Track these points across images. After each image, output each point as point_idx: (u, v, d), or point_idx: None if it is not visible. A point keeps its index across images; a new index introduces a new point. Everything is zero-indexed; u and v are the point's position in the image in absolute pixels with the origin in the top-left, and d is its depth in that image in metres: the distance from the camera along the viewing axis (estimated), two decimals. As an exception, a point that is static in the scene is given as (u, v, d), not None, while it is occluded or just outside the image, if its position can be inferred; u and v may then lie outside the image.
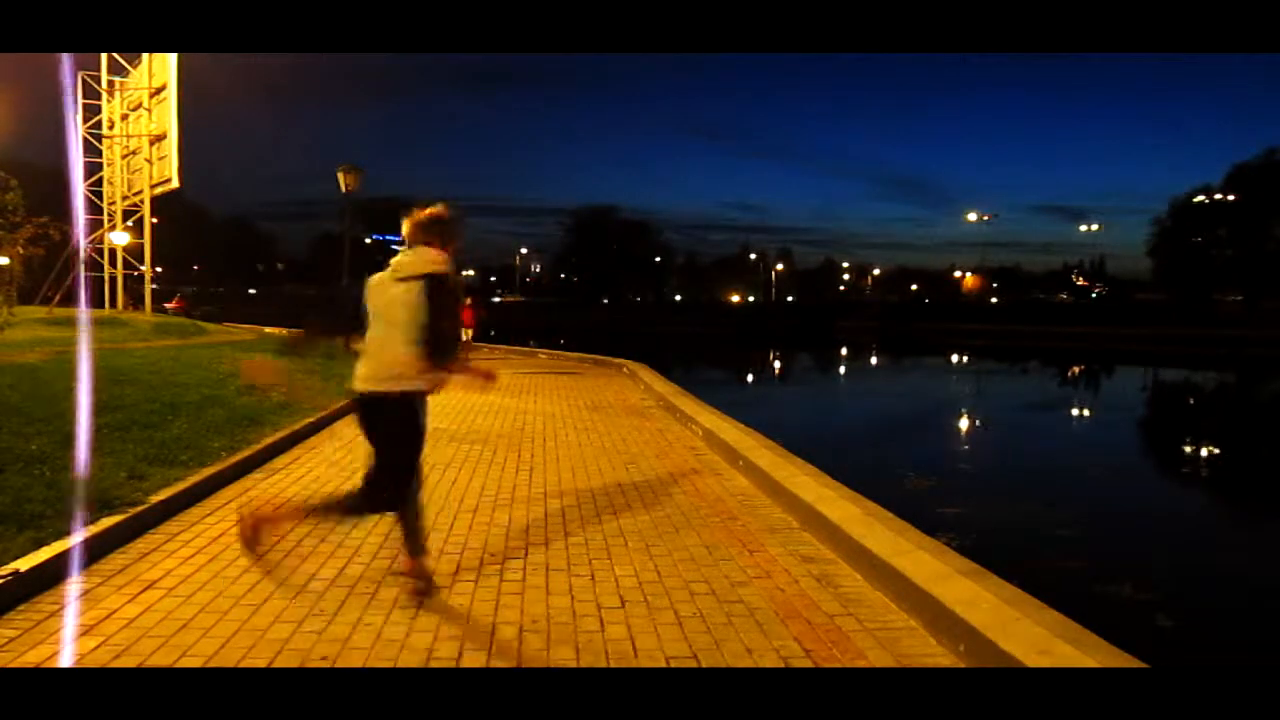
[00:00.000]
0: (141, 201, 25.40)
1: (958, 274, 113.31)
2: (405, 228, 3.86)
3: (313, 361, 13.53)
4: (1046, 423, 20.40)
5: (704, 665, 3.20)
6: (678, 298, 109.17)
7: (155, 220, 26.81)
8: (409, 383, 3.65)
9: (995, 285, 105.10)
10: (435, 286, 3.64)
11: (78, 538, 4.14)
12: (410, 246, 3.82)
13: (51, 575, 3.85)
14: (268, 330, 26.54)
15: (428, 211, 3.86)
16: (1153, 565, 7.82)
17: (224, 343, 16.35)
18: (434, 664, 3.19)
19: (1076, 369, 38.15)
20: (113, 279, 26.75)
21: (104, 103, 26.36)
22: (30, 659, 3.13)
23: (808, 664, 3.22)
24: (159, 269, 32.44)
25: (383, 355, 3.68)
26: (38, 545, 3.99)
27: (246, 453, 6.53)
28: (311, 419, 8.32)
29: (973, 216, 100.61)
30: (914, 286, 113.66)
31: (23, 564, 3.75)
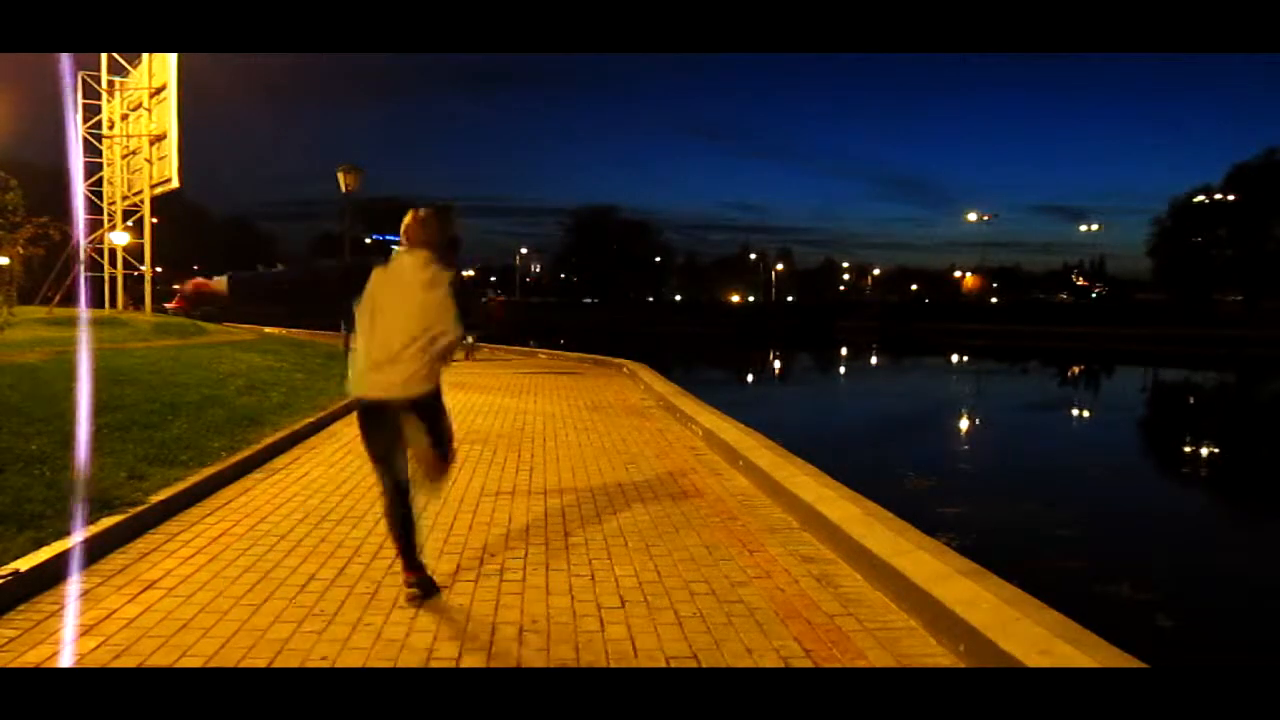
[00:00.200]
0: (141, 201, 25.39)
1: (958, 274, 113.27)
2: (419, 229, 3.84)
3: (313, 361, 13.53)
4: (1046, 423, 20.40)
5: (704, 665, 3.20)
6: (678, 298, 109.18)
7: (155, 220, 26.79)
8: (434, 380, 3.84)
9: (995, 285, 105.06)
10: (462, 288, 3.73)
11: (78, 538, 4.14)
12: (412, 246, 3.82)
13: (51, 575, 3.85)
14: (268, 330, 26.55)
15: (421, 211, 3.87)
16: (1153, 565, 7.82)
17: (224, 343, 16.34)
18: (434, 664, 3.19)
19: (1076, 369, 38.16)
20: (113, 279, 26.75)
21: (104, 103, 26.34)
22: (30, 659, 3.13)
23: (808, 664, 3.22)
24: (159, 269, 32.42)
25: (404, 359, 3.71)
26: (38, 545, 3.99)
27: (246, 453, 6.54)
28: (311, 419, 8.32)
29: (973, 216, 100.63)
30: (914, 286, 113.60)
31: (23, 564, 3.75)
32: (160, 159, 24.01)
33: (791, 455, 6.48)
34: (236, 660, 3.18)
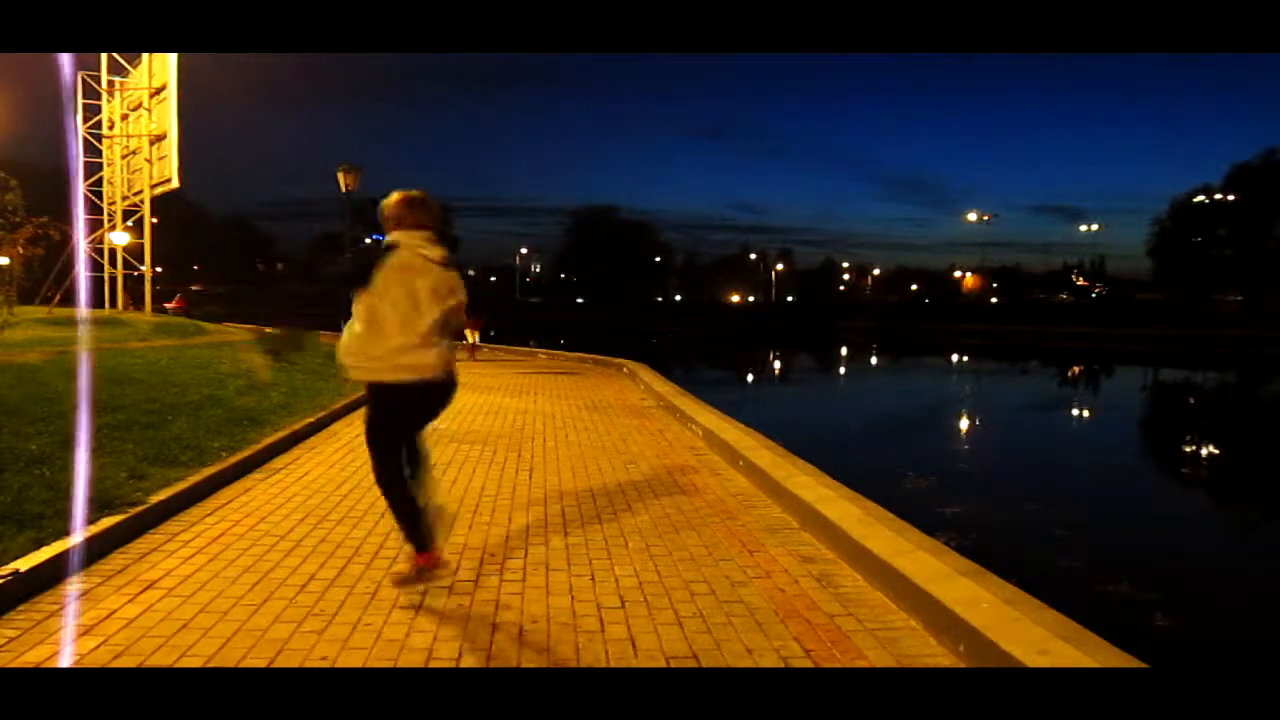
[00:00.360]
0: (141, 201, 25.40)
1: (958, 274, 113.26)
2: (400, 209, 3.83)
3: (313, 361, 13.53)
4: (1046, 423, 20.40)
5: (704, 665, 3.20)
6: (678, 298, 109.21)
7: (155, 220, 26.80)
8: (452, 364, 3.91)
9: (995, 285, 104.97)
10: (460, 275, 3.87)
11: (78, 538, 4.14)
12: (407, 228, 3.81)
13: (51, 575, 3.85)
14: (268, 330, 26.54)
15: (413, 193, 3.89)
16: (1153, 565, 7.82)
17: (224, 342, 16.35)
18: (434, 664, 3.19)
19: (1076, 369, 38.16)
20: (113, 279, 26.75)
21: (104, 103, 26.36)
22: (30, 659, 3.13)
23: (808, 664, 3.22)
24: (159, 269, 32.42)
25: (433, 341, 3.76)
26: (38, 545, 3.99)
27: (246, 453, 6.53)
28: (311, 419, 8.31)
29: (973, 216, 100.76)
30: (914, 286, 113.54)
31: (23, 564, 3.75)
32: (160, 159, 24.02)
33: (791, 455, 6.48)
34: (236, 660, 3.18)
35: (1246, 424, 21.91)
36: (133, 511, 4.72)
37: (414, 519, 3.86)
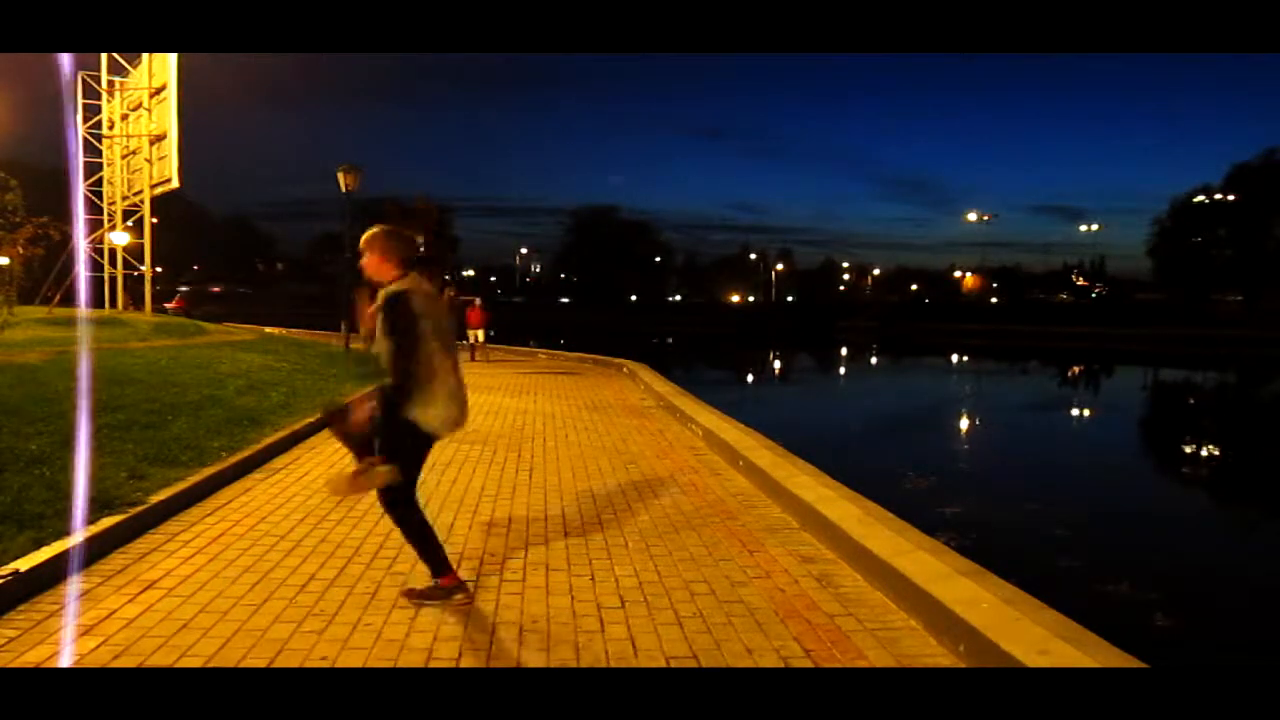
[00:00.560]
0: (141, 201, 25.39)
1: (958, 274, 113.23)
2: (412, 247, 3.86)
3: (313, 362, 13.53)
4: (1046, 423, 20.41)
5: (704, 665, 3.20)
6: (678, 298, 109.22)
7: (155, 220, 26.79)
8: None
9: (995, 285, 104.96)
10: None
11: (78, 538, 4.14)
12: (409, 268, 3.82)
13: (51, 575, 3.85)
14: (268, 330, 26.54)
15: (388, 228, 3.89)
16: (1153, 565, 7.82)
17: (224, 343, 16.34)
18: (434, 664, 3.19)
19: (1076, 369, 38.17)
20: (113, 279, 26.75)
21: (104, 103, 26.34)
22: (30, 659, 3.13)
23: (808, 664, 3.22)
24: (159, 269, 32.43)
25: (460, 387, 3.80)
26: (38, 545, 3.99)
27: (246, 453, 6.53)
28: (311, 419, 8.31)
29: (973, 216, 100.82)
30: (914, 286, 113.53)
31: (23, 564, 3.75)
32: (160, 159, 24.00)
33: (791, 455, 6.48)
34: (236, 660, 3.18)
35: (1246, 424, 21.91)
36: (133, 511, 4.72)
37: (435, 540, 3.82)
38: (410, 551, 4.40)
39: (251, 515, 5.18)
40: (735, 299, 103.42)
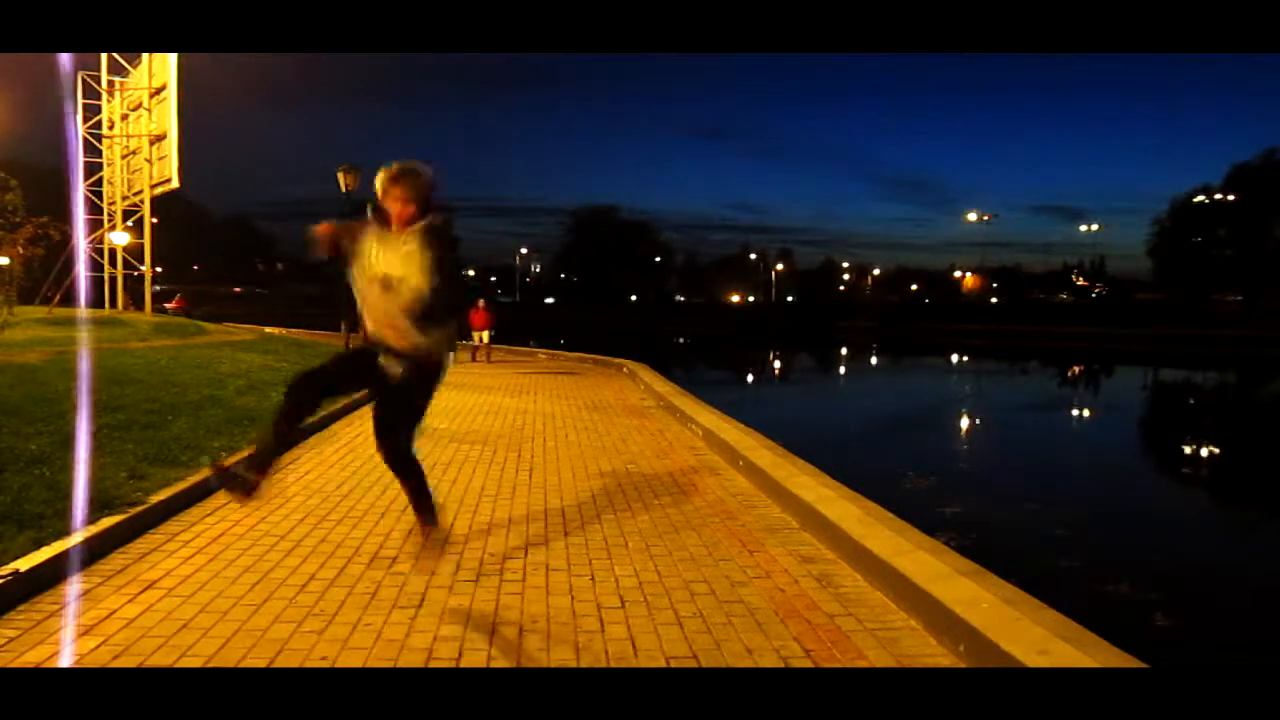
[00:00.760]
0: (141, 201, 25.39)
1: (958, 274, 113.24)
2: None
3: (314, 362, 13.52)
4: (1046, 423, 20.41)
5: (704, 665, 3.19)
6: (678, 298, 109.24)
7: (155, 220, 26.79)
8: None
9: (995, 285, 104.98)
10: None
11: (78, 538, 4.14)
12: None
13: (51, 575, 3.85)
14: (268, 330, 26.54)
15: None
16: (1153, 565, 7.82)
17: (224, 343, 16.34)
18: (434, 664, 3.19)
19: (1076, 369, 38.17)
20: (113, 279, 26.75)
21: (104, 103, 26.34)
22: (30, 659, 3.13)
23: (808, 664, 3.22)
24: (159, 269, 32.42)
25: None
26: (38, 545, 3.98)
27: (247, 453, 6.52)
28: (312, 419, 8.31)
29: (973, 216, 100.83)
30: (914, 286, 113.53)
31: (23, 564, 3.75)
32: (160, 159, 24.01)
33: (791, 455, 6.48)
34: (236, 660, 3.18)
35: (1246, 424, 21.91)
36: (133, 511, 4.72)
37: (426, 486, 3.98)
38: (410, 550, 4.42)
39: (251, 515, 5.17)
40: (735, 299, 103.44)
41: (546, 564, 4.35)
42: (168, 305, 40.83)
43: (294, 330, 28.30)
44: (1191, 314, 63.08)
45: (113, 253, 26.66)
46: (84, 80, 25.82)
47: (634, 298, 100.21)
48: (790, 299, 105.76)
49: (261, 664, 3.15)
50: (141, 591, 3.83)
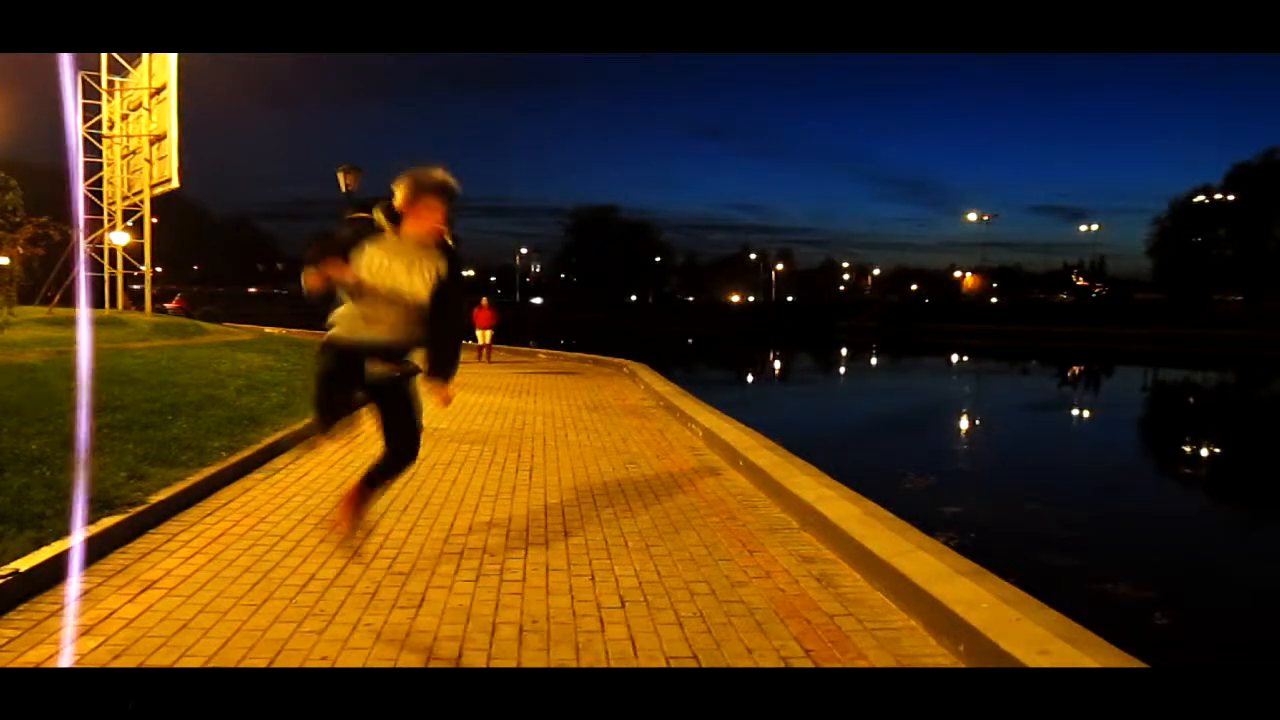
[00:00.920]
0: (141, 201, 25.40)
1: (958, 274, 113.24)
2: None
3: (313, 361, 13.52)
4: (1046, 423, 20.41)
5: (704, 665, 3.20)
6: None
7: (155, 220, 26.81)
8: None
9: (995, 285, 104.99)
10: None
11: (78, 538, 4.14)
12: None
13: (51, 575, 3.85)
14: (268, 330, 26.54)
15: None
16: (1153, 565, 7.82)
17: (224, 343, 16.34)
18: (434, 664, 3.19)
19: (1076, 369, 38.17)
20: (112, 279, 26.75)
21: (104, 103, 26.35)
22: (30, 659, 3.13)
23: (808, 664, 3.22)
24: (159, 269, 32.43)
25: None
26: (38, 545, 3.98)
27: (247, 453, 6.53)
28: (311, 420, 8.32)
29: (973, 216, 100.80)
30: (914, 286, 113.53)
31: (23, 564, 3.75)
32: (160, 159, 24.03)
33: (791, 455, 6.48)
34: (236, 660, 3.18)
35: (1246, 424, 21.91)
36: (133, 511, 4.72)
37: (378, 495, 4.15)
38: (410, 552, 4.43)
39: (251, 515, 5.18)
40: (735, 299, 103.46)
41: (546, 564, 4.36)
42: (168, 305, 40.85)
43: (294, 330, 28.29)
44: (1191, 314, 63.04)
45: (113, 253, 26.67)
46: (84, 80, 25.83)
47: (633, 298, 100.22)
48: (790, 299, 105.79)
49: (261, 664, 3.16)
50: (141, 591, 3.84)
